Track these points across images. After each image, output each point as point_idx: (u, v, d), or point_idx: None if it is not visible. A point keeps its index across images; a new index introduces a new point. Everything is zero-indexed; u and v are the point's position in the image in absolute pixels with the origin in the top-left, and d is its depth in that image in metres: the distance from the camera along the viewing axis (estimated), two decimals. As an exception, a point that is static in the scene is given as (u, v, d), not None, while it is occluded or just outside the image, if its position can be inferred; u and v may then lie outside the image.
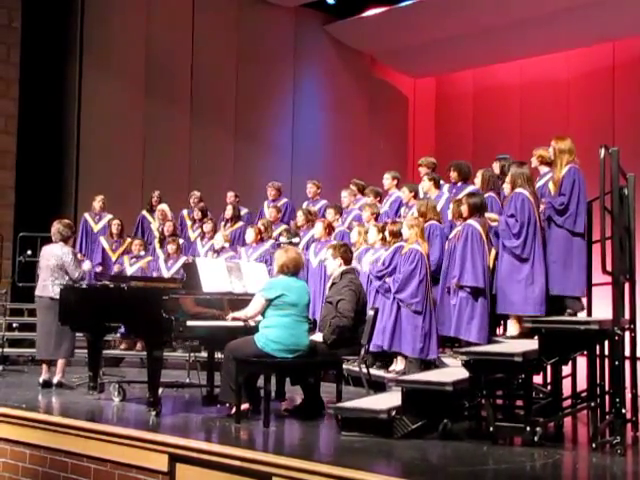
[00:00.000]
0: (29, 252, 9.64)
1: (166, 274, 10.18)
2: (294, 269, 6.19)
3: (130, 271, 10.30)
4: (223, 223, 11.02)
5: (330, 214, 9.69)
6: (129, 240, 10.85)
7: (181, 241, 10.84)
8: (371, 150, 16.27)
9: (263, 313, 6.10)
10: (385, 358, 8.08)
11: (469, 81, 16.93)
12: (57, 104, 12.75)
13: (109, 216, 11.21)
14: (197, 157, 13.96)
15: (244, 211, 11.32)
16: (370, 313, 6.92)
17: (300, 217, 9.96)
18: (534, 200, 6.56)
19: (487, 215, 6.95)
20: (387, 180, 9.62)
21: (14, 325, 10.65)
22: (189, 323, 6.25)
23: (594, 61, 14.89)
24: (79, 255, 10.50)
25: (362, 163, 15.70)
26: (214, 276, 6.72)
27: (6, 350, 9.94)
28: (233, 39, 14.63)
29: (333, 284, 6.74)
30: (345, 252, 6.80)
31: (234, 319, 6.30)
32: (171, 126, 13.68)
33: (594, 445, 5.16)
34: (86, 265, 8.66)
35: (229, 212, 10.97)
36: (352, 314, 6.39)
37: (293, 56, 15.55)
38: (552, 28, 13.72)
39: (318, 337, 6.43)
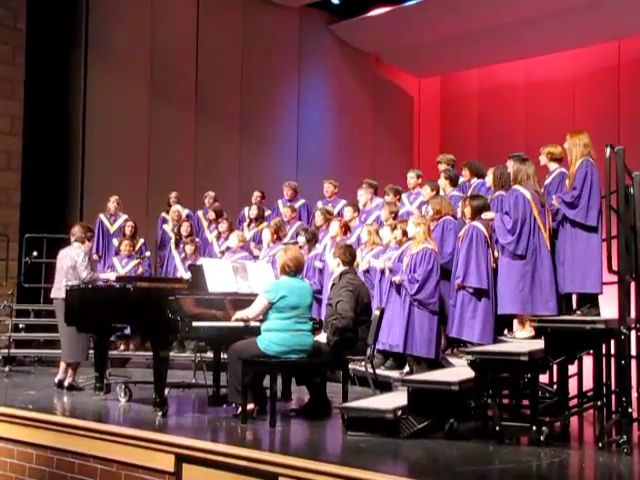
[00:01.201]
0: (35, 253, 9.67)
1: (184, 275, 10.16)
2: (295, 268, 6.19)
3: (122, 272, 10.25)
4: (246, 223, 10.97)
5: (348, 212, 9.57)
6: (142, 241, 10.82)
7: (197, 240, 10.81)
8: (376, 150, 16.28)
9: (264, 314, 6.11)
10: (397, 357, 8.04)
11: (474, 80, 16.92)
12: (62, 105, 12.77)
13: (124, 216, 11.17)
14: (202, 157, 13.98)
15: (268, 212, 11.27)
16: (376, 313, 6.92)
17: (318, 217, 9.76)
18: (534, 198, 6.51)
19: (483, 215, 6.93)
20: (412, 179, 9.47)
21: (20, 326, 10.68)
22: (195, 324, 6.25)
23: (599, 60, 14.88)
24: (95, 255, 10.52)
25: (367, 163, 15.72)
26: (220, 276, 6.73)
27: (12, 351, 9.97)
28: (238, 39, 14.65)
29: (333, 285, 6.74)
30: (344, 253, 6.76)
31: (237, 320, 6.31)
32: (176, 126, 13.69)
33: (600, 444, 5.16)
34: (112, 276, 8.70)
35: (254, 212, 10.86)
36: (351, 314, 6.38)
37: (298, 56, 15.57)
38: (557, 27, 13.71)
39: (322, 338, 6.44)
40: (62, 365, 7.89)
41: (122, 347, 10.34)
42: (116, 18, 13.16)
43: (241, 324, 6.31)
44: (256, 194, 11.32)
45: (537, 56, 15.40)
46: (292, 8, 15.26)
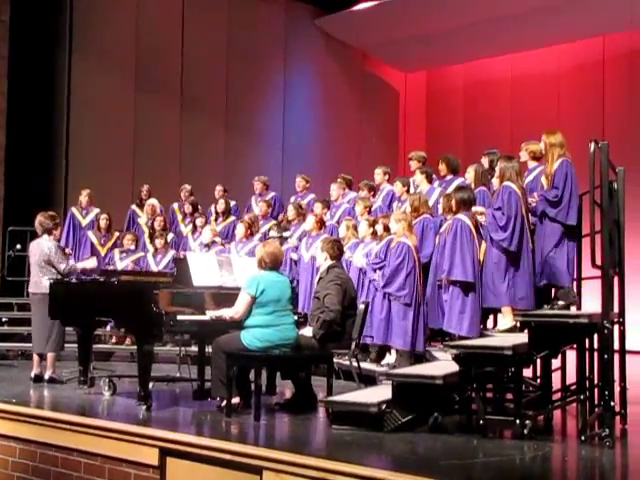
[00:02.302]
0: (18, 246, 9.60)
1: (155, 269, 10.16)
2: (272, 263, 6.19)
3: (120, 266, 10.27)
4: (213, 217, 11.00)
5: (318, 208, 9.70)
6: (117, 234, 10.81)
7: (171, 236, 10.82)
8: (362, 144, 16.29)
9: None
10: (379, 350, 8.08)
11: (460, 75, 16.95)
12: (46, 98, 12.70)
13: (96, 210, 11.17)
14: (187, 150, 13.94)
15: (232, 203, 11.31)
16: (361, 307, 6.93)
17: (291, 211, 9.98)
18: (522, 194, 6.57)
19: (474, 209, 6.96)
20: (378, 175, 9.69)
21: (3, 319, 10.63)
22: (179, 317, 6.24)
23: (584, 55, 14.94)
24: (67, 250, 10.47)
25: (353, 157, 15.72)
26: (205, 270, 6.72)
27: (-5, 345, 9.94)
28: (223, 33, 14.60)
29: (320, 279, 6.75)
30: (332, 247, 6.77)
31: (220, 319, 6.19)
32: (161, 120, 13.65)
33: (583, 438, 5.19)
34: (89, 263, 8.65)
35: (221, 206, 10.92)
36: (339, 307, 6.39)
37: (283, 50, 15.54)
38: (543, 22, 13.75)
39: (308, 332, 6.43)
40: (35, 358, 7.85)
41: (114, 339, 10.31)
42: (101, 10, 13.10)
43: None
44: (219, 188, 11.33)
45: (522, 51, 15.45)
46: (278, 2, 15.24)
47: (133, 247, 10.55)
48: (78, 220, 11.17)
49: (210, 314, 6.27)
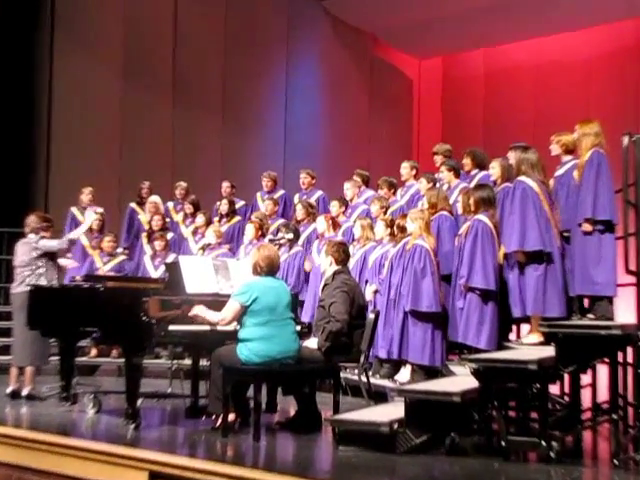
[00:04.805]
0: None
1: (154, 273, 10.14)
2: (267, 268, 6.17)
3: (104, 271, 10.23)
4: (217, 218, 10.96)
5: (335, 207, 9.62)
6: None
7: (170, 235, 10.76)
8: (372, 137, 16.32)
9: (239, 320, 6.08)
10: (393, 364, 8.05)
11: (479, 62, 16.97)
12: (26, 90, 12.68)
13: (99, 209, 11.11)
14: (180, 145, 13.94)
15: (240, 204, 11.26)
16: (371, 316, 6.91)
17: (300, 211, 9.89)
18: (541, 189, 6.49)
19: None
20: (405, 170, 9.53)
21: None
22: (171, 327, 6.23)
23: (617, 39, 14.93)
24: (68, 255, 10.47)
25: (362, 151, 15.75)
26: (199, 276, 6.71)
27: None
28: (220, 15, 14.62)
29: (325, 285, 6.72)
30: (337, 251, 6.74)
31: (197, 317, 6.18)
32: (151, 111, 13.65)
33: (616, 462, 5.17)
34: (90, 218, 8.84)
35: (224, 207, 10.87)
36: (346, 317, 6.36)
37: (287, 35, 15.56)
38: (571, 3, 13.74)
39: (312, 343, 6.41)
40: (13, 372, 7.86)
41: (94, 352, 10.26)
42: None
43: (225, 328, 6.25)
44: (225, 185, 11.28)
45: (548, 35, 15.45)
46: (280, -18, 15.28)
47: (119, 250, 10.51)
48: (78, 220, 11.08)
49: (195, 311, 6.22)
